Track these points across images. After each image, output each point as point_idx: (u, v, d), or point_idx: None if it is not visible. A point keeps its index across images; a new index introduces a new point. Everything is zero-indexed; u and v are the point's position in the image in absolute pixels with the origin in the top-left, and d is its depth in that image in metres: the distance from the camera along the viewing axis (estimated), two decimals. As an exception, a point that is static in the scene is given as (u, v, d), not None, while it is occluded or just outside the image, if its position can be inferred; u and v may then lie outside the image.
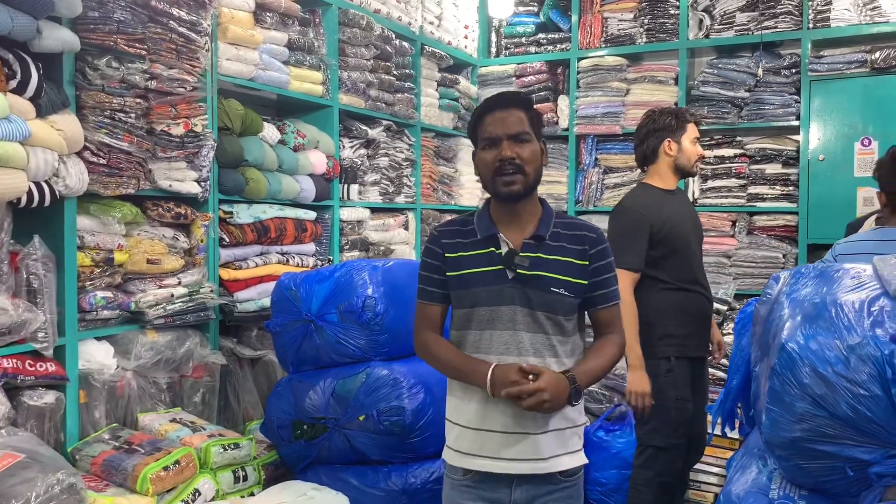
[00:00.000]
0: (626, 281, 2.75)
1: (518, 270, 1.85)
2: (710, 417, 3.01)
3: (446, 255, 1.94)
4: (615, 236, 2.82)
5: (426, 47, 4.98)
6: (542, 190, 5.49)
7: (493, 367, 1.82)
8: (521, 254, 1.86)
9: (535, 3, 5.64)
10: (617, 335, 1.97)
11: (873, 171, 2.75)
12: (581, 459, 1.94)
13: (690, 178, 4.59)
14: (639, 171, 5.14)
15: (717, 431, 3.00)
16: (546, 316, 1.86)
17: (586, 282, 1.90)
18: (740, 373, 2.17)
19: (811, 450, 1.48)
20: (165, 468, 2.59)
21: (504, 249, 1.89)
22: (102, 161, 2.79)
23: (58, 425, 2.69)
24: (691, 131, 2.98)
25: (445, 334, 2.03)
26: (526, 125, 1.87)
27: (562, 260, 1.88)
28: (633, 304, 2.78)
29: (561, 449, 1.89)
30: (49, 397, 2.63)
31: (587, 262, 1.90)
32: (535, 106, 2.00)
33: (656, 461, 2.84)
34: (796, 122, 4.75)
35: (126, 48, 2.81)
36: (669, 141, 2.93)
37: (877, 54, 4.49)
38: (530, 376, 1.77)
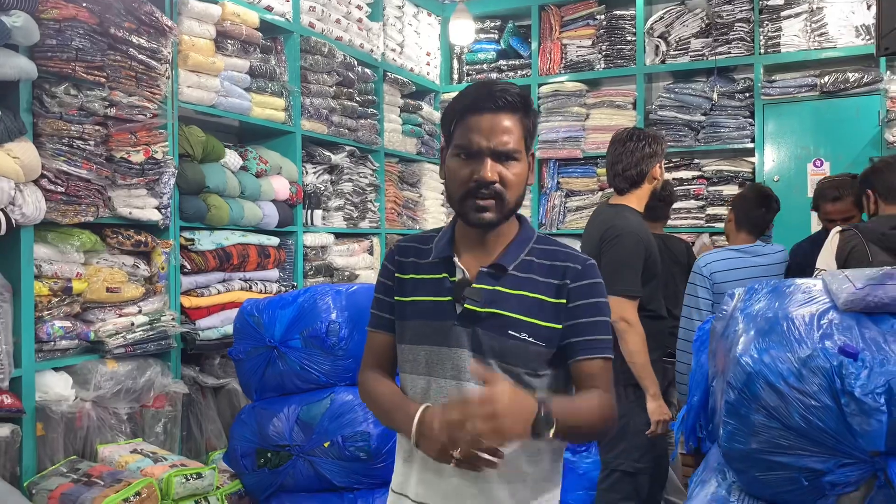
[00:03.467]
0: (630, 308, 2.71)
1: (467, 305, 1.47)
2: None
3: (398, 275, 1.60)
4: (616, 261, 2.74)
5: (389, 74, 5.02)
6: (505, 214, 5.53)
7: (422, 408, 1.41)
8: (474, 285, 1.49)
9: (496, 31, 5.73)
10: (602, 392, 1.48)
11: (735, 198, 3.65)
12: None
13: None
14: (600, 193, 5.27)
15: (681, 449, 3.03)
16: (502, 367, 1.46)
17: (560, 326, 1.48)
18: (700, 389, 2.20)
19: (767, 461, 1.51)
20: (126, 500, 2.54)
21: (458, 277, 1.52)
22: (60, 189, 2.76)
23: (14, 459, 2.63)
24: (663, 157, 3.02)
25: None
26: (519, 139, 1.47)
27: (529, 296, 1.48)
28: (641, 332, 2.72)
29: None
30: (4, 430, 2.57)
31: (564, 301, 1.48)
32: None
33: (623, 485, 2.83)
34: (751, 145, 4.88)
35: (85, 76, 2.79)
36: (659, 166, 2.94)
37: (826, 78, 4.65)
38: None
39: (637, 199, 2.94)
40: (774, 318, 1.63)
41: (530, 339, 1.46)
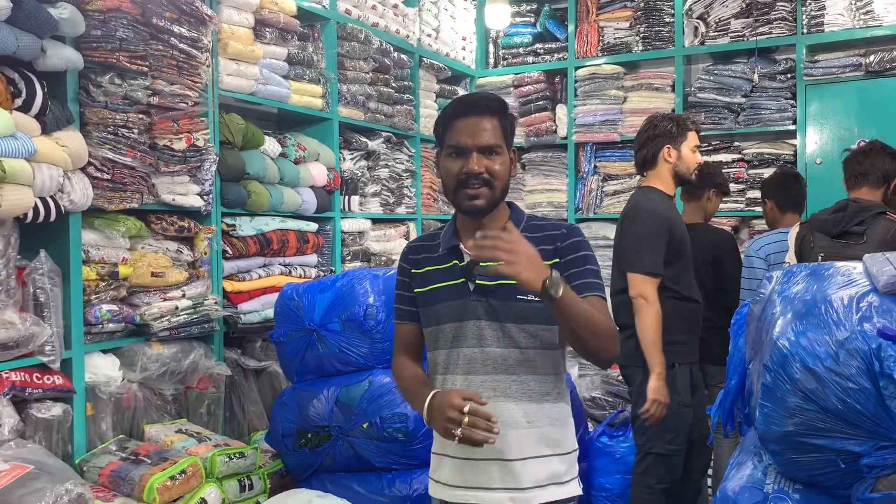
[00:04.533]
0: (649, 285, 2.71)
1: (478, 281, 1.73)
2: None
3: (413, 271, 1.85)
4: (635, 239, 2.76)
5: (424, 59, 5.03)
6: (541, 198, 5.54)
7: (431, 395, 1.69)
8: (481, 263, 1.67)
9: (532, 14, 5.70)
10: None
11: (762, 184, 3.83)
12: (572, 491, 1.77)
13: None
14: (638, 177, 5.23)
15: (721, 433, 3.02)
16: (518, 328, 1.72)
17: None
18: (738, 373, 2.19)
19: (803, 443, 1.51)
20: (172, 478, 2.62)
21: (466, 260, 1.76)
22: (106, 176, 2.83)
23: (65, 437, 2.73)
24: (692, 139, 2.97)
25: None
26: (499, 136, 1.73)
27: None
28: (658, 311, 2.72)
29: (546, 479, 1.73)
30: (56, 410, 2.66)
31: (558, 259, 1.73)
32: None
33: (657, 468, 2.85)
34: (793, 127, 4.79)
35: (128, 65, 2.86)
36: (669, 148, 2.91)
37: (871, 58, 4.54)
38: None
39: (660, 181, 2.96)
40: (812, 301, 1.62)
41: (536, 298, 1.63)
